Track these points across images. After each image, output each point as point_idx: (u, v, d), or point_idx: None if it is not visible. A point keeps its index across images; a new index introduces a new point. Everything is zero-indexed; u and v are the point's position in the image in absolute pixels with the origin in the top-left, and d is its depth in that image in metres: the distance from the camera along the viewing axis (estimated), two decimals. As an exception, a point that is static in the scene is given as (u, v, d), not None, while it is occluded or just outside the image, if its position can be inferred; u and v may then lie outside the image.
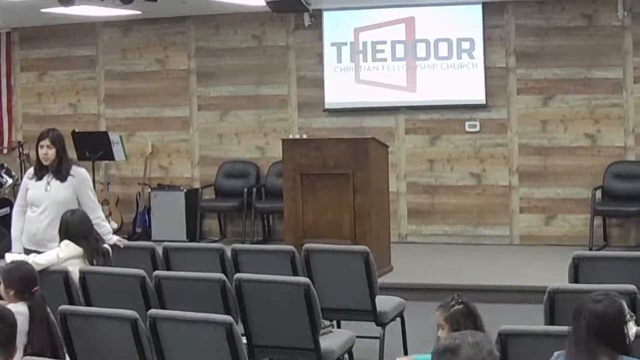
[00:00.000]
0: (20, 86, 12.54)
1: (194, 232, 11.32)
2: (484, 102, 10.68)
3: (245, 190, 11.09)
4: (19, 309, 4.73)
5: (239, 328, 4.99)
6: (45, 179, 6.73)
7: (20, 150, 12.19)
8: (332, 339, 5.72)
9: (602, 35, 10.28)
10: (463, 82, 10.72)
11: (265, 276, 5.71)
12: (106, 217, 7.93)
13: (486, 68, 10.63)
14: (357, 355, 6.13)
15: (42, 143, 6.75)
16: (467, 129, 10.79)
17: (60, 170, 6.71)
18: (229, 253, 6.67)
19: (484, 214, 10.76)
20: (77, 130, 11.41)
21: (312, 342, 5.49)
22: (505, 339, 4.32)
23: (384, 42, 10.96)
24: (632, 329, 3.83)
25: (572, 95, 10.41)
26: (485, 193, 10.78)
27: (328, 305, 6.10)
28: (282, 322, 5.55)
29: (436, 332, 4.41)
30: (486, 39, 10.61)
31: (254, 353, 5.63)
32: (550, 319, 5.00)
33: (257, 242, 10.93)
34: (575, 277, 5.81)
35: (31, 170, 6.90)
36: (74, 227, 6.20)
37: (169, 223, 11.25)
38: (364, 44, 11.02)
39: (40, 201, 6.68)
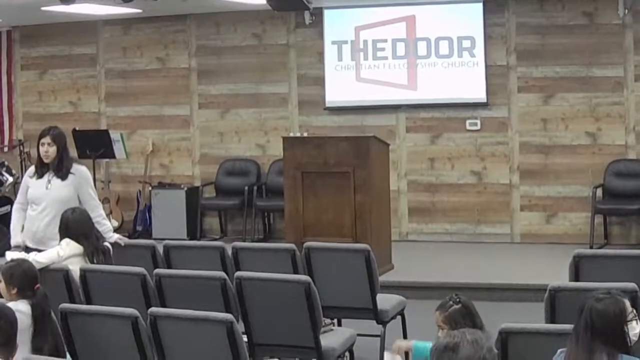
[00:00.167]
0: (20, 84, 12.54)
1: (194, 230, 11.32)
2: (485, 101, 10.68)
3: (246, 188, 11.09)
4: (20, 307, 4.74)
5: (240, 326, 4.99)
6: (46, 177, 6.74)
7: (21, 148, 12.19)
8: (332, 337, 5.72)
9: (602, 33, 10.28)
10: (464, 80, 10.72)
11: (266, 274, 5.72)
12: (107, 215, 7.93)
13: (487, 66, 10.62)
14: (357, 353, 6.13)
15: (43, 141, 6.76)
16: (467, 127, 10.78)
17: (61, 168, 6.72)
18: (229, 251, 6.67)
19: (485, 212, 10.76)
20: (77, 129, 11.41)
21: (313, 340, 5.49)
22: (505, 337, 4.33)
23: (385, 41, 10.96)
24: (634, 329, 3.83)
25: (573, 93, 10.41)
26: (486, 191, 10.78)
27: (329, 303, 6.11)
28: (283, 320, 5.55)
29: (437, 331, 4.41)
30: (487, 37, 10.60)
31: (254, 351, 5.63)
32: (551, 317, 5.00)
33: (258, 240, 10.93)
34: (575, 276, 5.81)
35: (32, 169, 6.91)
36: (74, 226, 6.20)
37: (169, 221, 11.25)
38: (365, 42, 11.01)
39: (41, 199, 6.69)
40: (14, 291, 4.97)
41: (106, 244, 6.44)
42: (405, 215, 11.03)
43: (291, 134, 10.67)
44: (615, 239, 10.27)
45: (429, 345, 4.53)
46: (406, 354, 4.68)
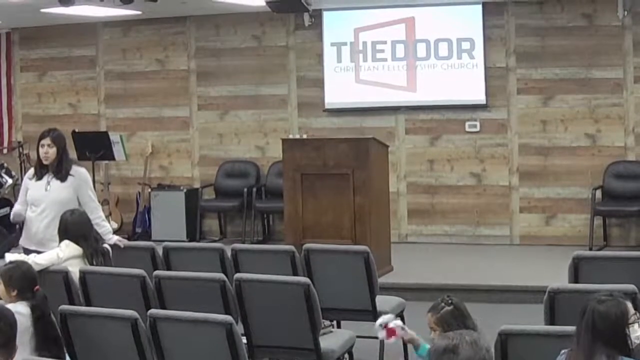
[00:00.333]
0: (20, 86, 12.54)
1: (194, 232, 11.32)
2: (484, 102, 10.68)
3: (245, 190, 11.09)
4: (19, 309, 4.74)
5: (239, 328, 4.99)
6: (45, 178, 6.74)
7: (21, 150, 12.19)
8: (332, 339, 5.72)
9: (602, 35, 10.28)
10: (463, 82, 10.72)
11: (265, 276, 5.72)
12: (106, 217, 7.93)
13: (486, 68, 10.62)
14: (357, 355, 6.13)
15: (42, 142, 6.76)
16: (467, 129, 10.79)
17: (60, 170, 6.72)
18: (229, 253, 6.67)
19: (484, 214, 10.76)
20: (77, 131, 11.41)
21: (312, 342, 5.49)
22: (505, 338, 4.33)
23: (384, 42, 10.96)
24: (636, 331, 3.83)
25: (572, 95, 10.41)
26: (485, 193, 10.78)
27: (328, 305, 6.10)
28: (282, 322, 5.55)
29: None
30: (486, 39, 10.61)
31: (254, 353, 5.63)
32: (551, 319, 5.00)
33: (257, 242, 10.93)
34: (575, 277, 5.81)
35: (31, 170, 6.92)
36: (73, 227, 6.20)
37: (169, 223, 11.25)
38: (364, 44, 11.02)
39: (40, 201, 6.69)
40: (14, 293, 4.96)
41: (105, 245, 6.44)
42: (405, 217, 11.03)
43: (290, 136, 10.67)
44: (615, 241, 10.27)
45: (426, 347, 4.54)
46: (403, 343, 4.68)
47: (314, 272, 6.44)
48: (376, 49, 10.99)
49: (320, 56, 11.20)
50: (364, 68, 11.03)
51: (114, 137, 11.38)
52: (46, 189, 6.71)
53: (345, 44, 11.08)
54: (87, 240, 6.20)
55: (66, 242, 6.16)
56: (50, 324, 4.91)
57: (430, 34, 10.80)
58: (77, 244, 6.17)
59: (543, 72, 10.49)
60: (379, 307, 6.34)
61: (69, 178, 6.73)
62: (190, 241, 10.90)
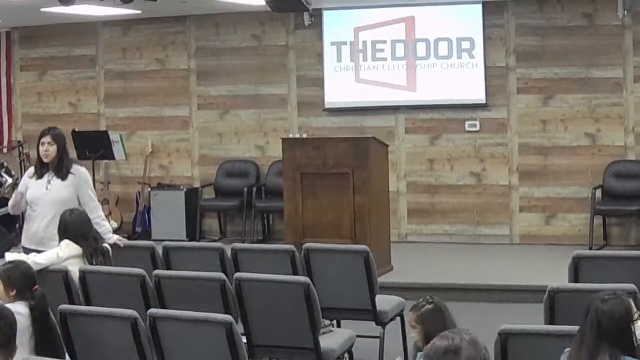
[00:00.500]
0: (20, 86, 12.54)
1: (194, 231, 11.31)
2: (484, 102, 10.68)
3: (246, 189, 11.09)
4: (18, 309, 4.73)
5: (239, 328, 4.99)
6: (45, 177, 6.74)
7: (21, 149, 12.19)
8: (332, 339, 5.71)
9: (602, 34, 10.28)
10: (463, 81, 10.72)
11: (266, 276, 5.71)
12: (106, 216, 7.93)
13: (486, 68, 10.62)
14: (357, 355, 6.13)
15: (43, 140, 6.76)
16: (467, 128, 10.78)
17: (61, 168, 6.72)
18: (229, 252, 6.67)
19: (484, 214, 10.76)
20: (77, 130, 11.41)
21: (312, 341, 5.49)
22: (505, 338, 4.32)
23: (384, 42, 10.96)
24: (638, 329, 3.82)
25: (573, 94, 10.41)
26: (485, 193, 10.78)
27: (328, 304, 6.10)
28: (282, 322, 5.55)
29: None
30: (486, 38, 10.60)
31: (254, 352, 5.63)
32: (551, 319, 5.00)
33: (257, 242, 10.93)
34: (575, 277, 5.80)
35: (32, 170, 6.91)
36: (73, 227, 6.19)
37: (169, 222, 11.25)
38: (364, 43, 11.01)
39: (41, 200, 6.69)
40: (13, 293, 4.95)
41: (106, 245, 6.43)
42: (405, 217, 11.03)
43: (291, 135, 10.66)
44: (615, 240, 10.27)
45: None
46: None
47: (314, 272, 6.44)
48: (376, 48, 10.99)
49: (320, 56, 11.20)
50: (364, 68, 11.03)
51: (114, 136, 11.38)
52: (47, 188, 6.71)
53: (345, 43, 11.08)
54: (86, 240, 6.20)
55: (66, 241, 6.16)
56: (50, 323, 4.90)
57: (430, 34, 10.80)
58: (77, 243, 6.16)
59: (543, 72, 10.49)
60: (379, 307, 6.34)
61: (70, 177, 6.73)
62: (190, 241, 10.90)
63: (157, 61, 11.87)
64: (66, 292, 5.89)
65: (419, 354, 4.61)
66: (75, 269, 6.00)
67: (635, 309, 3.83)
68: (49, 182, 6.72)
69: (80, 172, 6.83)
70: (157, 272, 6.01)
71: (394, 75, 10.94)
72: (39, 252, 6.30)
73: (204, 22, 11.63)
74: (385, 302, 6.49)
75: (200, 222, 11.43)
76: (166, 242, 6.96)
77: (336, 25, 11.12)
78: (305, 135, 10.43)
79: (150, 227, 11.47)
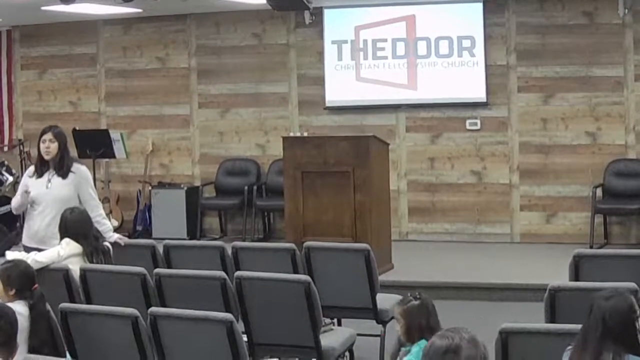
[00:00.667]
0: (20, 84, 12.54)
1: (194, 230, 11.31)
2: (485, 100, 10.68)
3: (246, 188, 11.09)
4: (17, 309, 4.72)
5: (240, 326, 4.99)
6: (46, 176, 6.74)
7: (21, 148, 12.19)
8: (332, 337, 5.72)
9: (602, 33, 10.28)
10: (464, 80, 10.72)
11: (266, 274, 5.72)
12: (107, 215, 7.93)
13: (487, 66, 10.62)
14: (357, 353, 6.14)
15: (44, 137, 6.76)
16: (467, 127, 10.78)
17: (62, 166, 6.72)
18: (229, 251, 6.67)
19: (485, 212, 10.76)
20: (77, 128, 11.41)
21: (313, 340, 5.49)
22: (505, 337, 4.32)
23: (385, 40, 10.96)
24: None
25: (573, 93, 10.41)
26: (485, 191, 10.78)
27: (329, 303, 6.11)
28: (283, 320, 5.55)
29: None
30: (487, 36, 10.60)
31: (254, 351, 5.63)
32: (551, 317, 5.00)
33: (258, 240, 10.93)
34: (575, 275, 5.81)
35: (31, 168, 6.91)
36: (73, 225, 6.19)
37: (169, 221, 11.25)
38: (365, 41, 11.01)
39: (41, 198, 6.69)
40: (12, 292, 4.95)
41: (106, 243, 6.43)
42: (405, 215, 11.03)
43: (291, 134, 10.66)
44: (615, 239, 10.27)
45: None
46: None
47: (314, 270, 6.44)
48: (377, 46, 10.98)
49: (320, 54, 11.20)
50: (364, 66, 11.03)
51: (114, 135, 11.37)
52: (47, 187, 6.71)
53: (345, 41, 11.07)
54: (86, 238, 6.20)
55: (67, 240, 6.16)
56: (49, 322, 4.89)
57: (430, 32, 10.80)
58: (77, 242, 6.17)
59: (544, 70, 10.49)
60: (379, 305, 6.34)
61: (70, 175, 6.73)
62: (190, 239, 10.90)
63: (158, 59, 11.87)
64: (67, 290, 5.89)
65: (402, 349, 4.63)
66: (75, 267, 6.00)
67: (637, 306, 3.83)
68: (49, 180, 6.72)
69: (81, 170, 6.83)
70: (157, 270, 6.01)
71: (394, 73, 10.94)
72: (39, 250, 6.31)
73: (205, 21, 11.63)
74: (385, 301, 6.48)
75: (200, 221, 11.43)
76: (167, 241, 6.96)
77: (337, 24, 11.11)
78: (305, 134, 10.42)
79: (150, 225, 11.47)
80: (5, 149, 12.52)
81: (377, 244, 8.34)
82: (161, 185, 11.67)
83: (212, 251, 6.70)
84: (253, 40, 11.50)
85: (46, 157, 6.74)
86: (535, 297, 7.34)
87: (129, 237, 9.50)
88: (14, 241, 9.89)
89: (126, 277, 5.89)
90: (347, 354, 5.95)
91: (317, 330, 5.50)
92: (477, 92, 10.68)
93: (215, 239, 11.02)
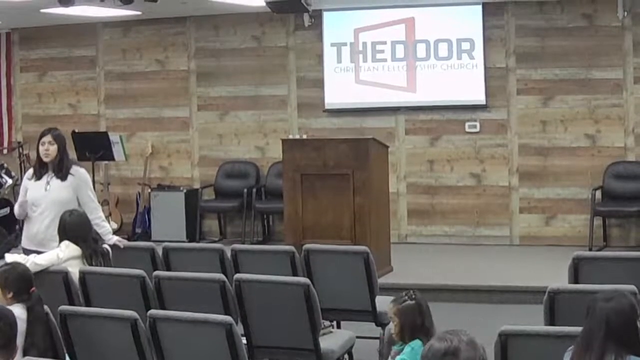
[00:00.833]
0: (20, 86, 12.54)
1: (193, 232, 11.31)
2: (484, 103, 10.68)
3: (245, 190, 11.09)
4: (16, 312, 4.70)
5: (239, 328, 4.98)
6: (44, 178, 6.73)
7: (20, 150, 12.19)
8: (332, 340, 5.72)
9: (602, 35, 10.28)
10: (463, 82, 10.72)
11: (265, 276, 5.71)
12: (106, 217, 7.93)
13: (486, 68, 10.62)
14: (357, 355, 6.13)
15: (43, 140, 6.75)
16: (467, 129, 10.79)
17: (61, 168, 6.71)
18: (228, 253, 6.66)
19: (484, 215, 10.76)
20: (77, 131, 11.41)
21: (312, 342, 5.49)
22: (505, 339, 4.32)
23: (384, 43, 10.96)
24: None
25: (572, 95, 10.41)
26: (485, 193, 10.78)
27: (328, 305, 6.10)
28: (282, 323, 5.55)
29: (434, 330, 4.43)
30: (486, 39, 10.60)
31: (253, 353, 5.62)
32: (550, 320, 5.00)
33: (257, 243, 10.92)
34: (575, 278, 5.80)
35: (30, 171, 6.91)
36: (72, 228, 6.19)
37: (168, 223, 11.25)
38: (364, 44, 11.01)
39: (40, 201, 6.68)
40: (10, 295, 4.93)
41: (105, 246, 6.43)
42: (405, 218, 11.03)
43: (290, 136, 10.67)
44: (615, 241, 10.27)
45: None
46: None
47: (313, 273, 6.43)
48: (376, 49, 10.99)
49: (320, 57, 11.20)
50: (363, 68, 11.03)
51: (113, 137, 11.38)
52: (46, 189, 6.70)
53: (345, 44, 11.08)
54: (85, 241, 6.19)
55: (66, 242, 6.16)
56: (47, 325, 4.88)
57: (430, 35, 10.80)
58: (76, 244, 6.16)
59: (543, 73, 10.50)
60: (378, 308, 6.34)
61: (69, 177, 6.72)
62: (190, 242, 10.89)
63: (157, 62, 11.87)
64: (66, 293, 5.89)
65: (394, 348, 4.64)
66: (75, 269, 6.00)
67: (637, 306, 3.83)
68: (47, 183, 6.72)
69: (80, 172, 6.83)
70: (156, 272, 6.01)
71: (393, 76, 10.94)
72: (39, 253, 6.30)
73: (204, 23, 11.63)
74: (384, 303, 6.41)
75: (200, 223, 11.43)
76: (166, 243, 6.95)
77: (336, 26, 11.12)
78: (305, 136, 10.43)
79: (150, 227, 11.47)
80: (5, 151, 12.52)
81: (377, 247, 8.34)
82: (160, 187, 11.67)
83: (211, 254, 6.70)
84: (252, 42, 11.50)
85: (45, 160, 6.74)
86: (534, 299, 7.34)
87: (128, 239, 9.47)
88: (13, 244, 9.89)
89: (125, 279, 5.88)
90: (346, 356, 5.94)
91: (317, 332, 5.50)
92: (476, 94, 10.68)
93: (214, 242, 11.02)
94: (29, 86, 12.47)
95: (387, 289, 7.49)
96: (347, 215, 8.85)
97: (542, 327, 4.69)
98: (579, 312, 3.93)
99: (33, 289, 4.98)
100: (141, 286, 5.74)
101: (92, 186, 7.07)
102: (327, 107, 11.20)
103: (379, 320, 6.35)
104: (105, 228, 6.79)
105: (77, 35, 12.07)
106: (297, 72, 11.38)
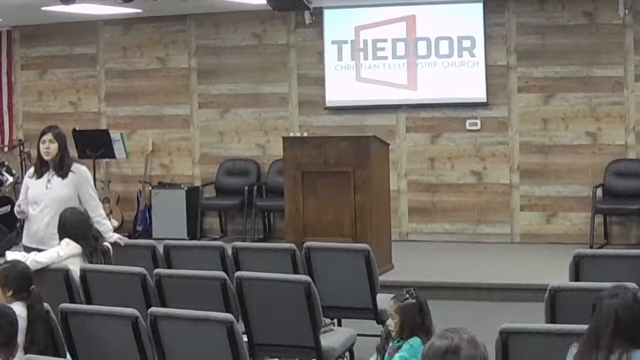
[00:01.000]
0: (20, 84, 12.54)
1: (194, 230, 11.31)
2: (485, 100, 10.68)
3: (246, 188, 11.09)
4: (16, 310, 4.71)
5: (240, 326, 4.99)
6: (45, 176, 6.74)
7: (21, 148, 12.19)
8: (332, 337, 5.72)
9: (603, 33, 10.28)
10: (464, 80, 10.71)
11: (266, 274, 5.72)
12: (107, 215, 7.92)
13: (487, 66, 10.62)
14: (358, 353, 6.13)
15: (44, 138, 6.76)
16: (468, 127, 10.78)
17: (62, 166, 6.72)
18: (229, 251, 6.67)
19: (485, 212, 10.76)
20: (77, 129, 11.41)
21: (313, 340, 5.49)
22: (506, 337, 4.32)
23: (385, 40, 10.95)
24: None
25: (573, 93, 10.41)
26: (486, 191, 10.78)
27: (329, 303, 6.10)
28: (283, 320, 5.55)
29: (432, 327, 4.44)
30: (487, 37, 10.60)
31: (254, 351, 5.63)
32: (551, 317, 5.00)
33: (258, 240, 10.93)
34: (576, 276, 5.81)
35: (32, 169, 6.92)
36: (73, 226, 6.19)
37: (169, 221, 11.24)
38: (365, 42, 11.01)
39: (41, 199, 6.69)
40: (9, 293, 4.94)
41: (106, 243, 6.43)
42: (405, 215, 11.03)
43: (291, 134, 10.66)
44: (616, 239, 10.27)
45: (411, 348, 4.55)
46: None
47: (314, 270, 6.44)
48: (377, 47, 10.98)
49: (321, 54, 11.20)
50: (364, 66, 11.03)
51: (114, 135, 11.38)
52: (46, 187, 6.71)
53: (346, 42, 11.07)
54: (86, 239, 6.19)
55: (67, 240, 6.16)
56: (47, 323, 4.88)
57: (431, 32, 10.79)
58: (76, 242, 6.16)
59: (544, 71, 10.49)
60: (379, 306, 6.34)
61: (70, 175, 6.72)
62: (190, 239, 10.90)
63: (158, 60, 11.87)
64: (67, 290, 5.89)
65: (391, 344, 4.64)
66: (75, 267, 6.00)
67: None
68: (48, 180, 6.72)
69: (81, 170, 6.83)
70: (157, 270, 6.01)
71: (394, 73, 10.94)
72: (39, 250, 6.30)
73: (205, 21, 11.63)
74: (385, 301, 6.44)
75: (200, 221, 11.43)
76: (167, 241, 6.96)
77: (337, 24, 11.11)
78: (305, 134, 10.42)
79: (150, 225, 11.47)
80: (6, 149, 12.52)
81: (377, 244, 8.34)
82: (161, 185, 11.67)
83: (212, 251, 6.70)
84: (253, 40, 11.50)
85: (46, 158, 6.74)
86: (535, 297, 7.33)
87: (129, 237, 9.49)
88: (14, 241, 9.90)
89: (126, 277, 5.89)
90: (347, 354, 5.95)
91: (317, 330, 5.50)
92: (477, 92, 10.68)
93: (215, 239, 11.02)
94: (30, 84, 12.47)
95: (388, 287, 7.48)
96: (347, 213, 8.85)
97: (543, 325, 4.69)
98: (579, 310, 3.94)
99: (33, 287, 4.99)
100: (142, 284, 5.74)
101: (93, 184, 7.08)
102: (327, 104, 11.20)
103: (380, 318, 6.34)
104: (106, 226, 6.79)
105: (78, 33, 12.07)
106: (298, 70, 11.37)
